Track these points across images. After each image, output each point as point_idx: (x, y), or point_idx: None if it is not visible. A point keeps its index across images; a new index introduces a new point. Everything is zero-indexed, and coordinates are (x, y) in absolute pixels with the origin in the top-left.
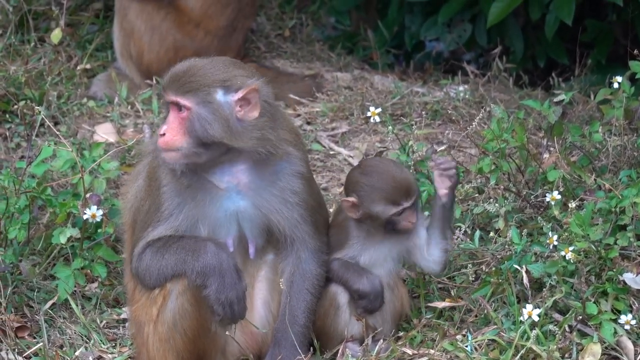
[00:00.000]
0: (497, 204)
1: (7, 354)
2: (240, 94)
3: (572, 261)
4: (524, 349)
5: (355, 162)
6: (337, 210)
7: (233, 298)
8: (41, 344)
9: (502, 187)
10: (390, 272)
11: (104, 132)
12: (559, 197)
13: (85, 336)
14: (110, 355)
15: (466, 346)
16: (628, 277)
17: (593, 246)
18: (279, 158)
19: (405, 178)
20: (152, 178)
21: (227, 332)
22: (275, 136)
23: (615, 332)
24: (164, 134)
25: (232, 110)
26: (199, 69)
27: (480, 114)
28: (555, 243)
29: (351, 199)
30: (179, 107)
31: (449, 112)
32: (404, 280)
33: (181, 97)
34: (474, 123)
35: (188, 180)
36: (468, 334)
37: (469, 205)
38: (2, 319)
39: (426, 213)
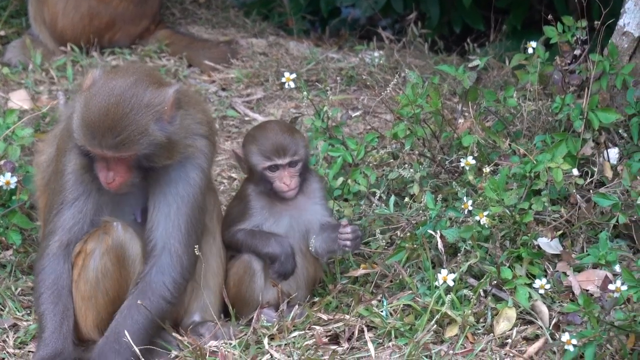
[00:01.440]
0: (411, 170)
1: None
2: (167, 112)
3: (486, 226)
4: (439, 313)
5: None
6: (241, 184)
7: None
8: None
9: (416, 152)
10: (300, 240)
11: (18, 99)
12: (473, 162)
13: (0, 304)
14: (25, 323)
15: (381, 311)
16: (542, 242)
17: (508, 211)
18: (189, 153)
19: (284, 137)
20: (59, 159)
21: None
22: (185, 140)
23: (530, 297)
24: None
25: (167, 130)
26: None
27: (395, 80)
28: (470, 208)
29: (237, 150)
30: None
31: (364, 77)
32: None
33: (124, 152)
34: (388, 88)
35: (92, 176)
36: (383, 299)
37: (384, 170)
38: None
39: (344, 219)
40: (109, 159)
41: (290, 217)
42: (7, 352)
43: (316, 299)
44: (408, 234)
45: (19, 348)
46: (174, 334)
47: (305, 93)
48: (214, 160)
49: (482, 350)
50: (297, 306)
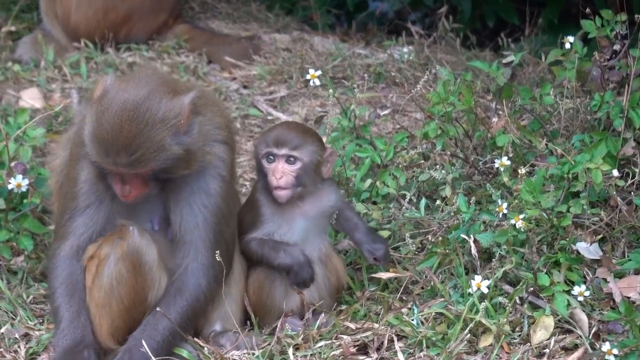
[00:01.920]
0: (443, 171)
1: None
2: (183, 124)
3: (522, 230)
4: (473, 322)
5: None
6: (252, 189)
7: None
8: None
9: (448, 152)
10: (319, 246)
11: (30, 98)
12: (508, 163)
13: (11, 312)
14: (37, 332)
15: (412, 320)
16: (581, 247)
17: (545, 214)
18: (207, 161)
19: (290, 131)
20: (72, 165)
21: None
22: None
23: (569, 304)
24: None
25: (185, 142)
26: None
27: (426, 76)
28: (505, 211)
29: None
30: None
31: (393, 74)
32: (345, 251)
33: (140, 169)
34: (418, 86)
35: (106, 186)
36: (414, 306)
37: (414, 172)
38: None
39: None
40: (124, 174)
41: (305, 224)
42: None
43: (343, 307)
44: (440, 238)
45: (32, 359)
46: (195, 343)
47: (331, 91)
48: (234, 164)
49: None
50: (323, 314)
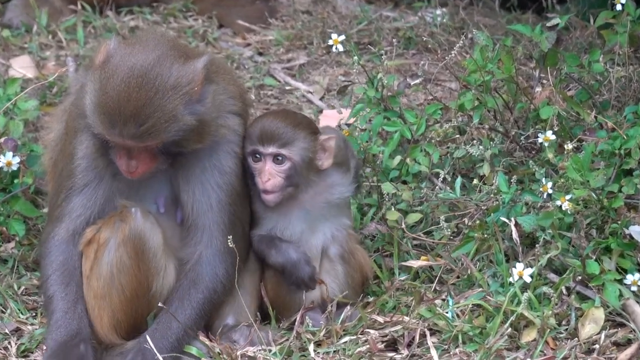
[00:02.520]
0: (481, 147)
1: None
2: (196, 92)
3: (569, 212)
4: (514, 315)
5: (315, 99)
6: None
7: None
8: None
9: (487, 126)
10: (330, 242)
11: (21, 66)
12: (553, 137)
13: (1, 305)
14: (30, 327)
15: (446, 312)
16: (635, 231)
17: (594, 194)
18: (221, 135)
19: (277, 124)
20: (68, 140)
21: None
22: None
23: (621, 295)
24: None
25: (198, 112)
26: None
27: (461, 42)
28: (550, 191)
29: None
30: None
31: (425, 39)
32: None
33: (149, 142)
34: (453, 52)
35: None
36: (449, 298)
37: (448, 148)
38: None
39: None
40: (131, 147)
41: (305, 216)
42: None
43: (370, 299)
44: (477, 221)
45: (24, 357)
46: (205, 340)
47: (355, 58)
48: None
49: (564, 358)
50: (347, 307)
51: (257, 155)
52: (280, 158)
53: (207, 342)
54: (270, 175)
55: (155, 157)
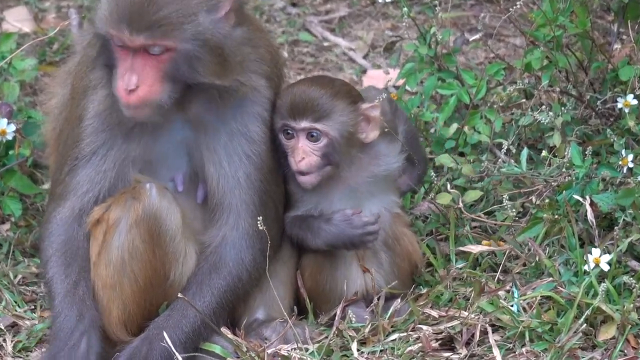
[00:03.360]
0: (551, 113)
1: None
2: (225, 7)
3: None
4: (590, 309)
5: (358, 58)
6: None
7: None
8: None
9: (557, 89)
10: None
11: (16, 19)
12: (635, 102)
13: None
14: (28, 322)
15: (511, 305)
16: None
17: None
18: (242, 93)
19: (304, 93)
20: (75, 102)
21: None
22: (248, 64)
23: None
24: (134, 89)
25: (220, 31)
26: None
27: None
28: (631, 165)
29: None
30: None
31: None
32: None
33: (159, 39)
34: (519, 3)
35: (119, 117)
36: (514, 289)
37: (512, 114)
38: None
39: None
40: (136, 50)
41: (349, 196)
42: None
43: (422, 290)
44: (546, 200)
45: (21, 356)
46: (229, 335)
47: (405, 10)
48: None
49: None
50: (397, 300)
51: (289, 132)
52: (315, 134)
53: (233, 338)
54: (304, 154)
55: (160, 79)
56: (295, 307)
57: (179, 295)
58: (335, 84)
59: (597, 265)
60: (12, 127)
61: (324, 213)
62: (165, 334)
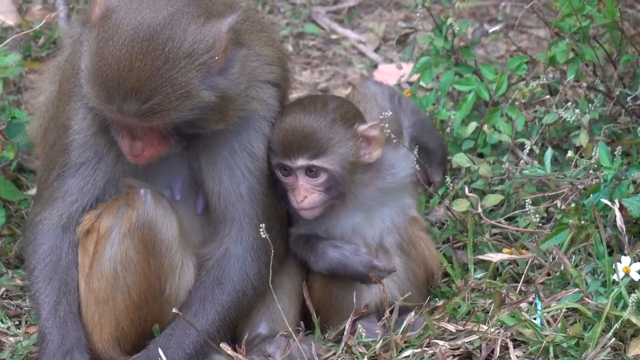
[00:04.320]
0: (577, 110)
1: None
2: (220, 60)
3: None
4: (619, 321)
5: (368, 50)
6: None
7: None
8: None
9: (584, 84)
10: (386, 234)
11: (0, 11)
12: None
13: None
14: (12, 339)
15: (534, 318)
16: None
17: None
18: (249, 110)
19: (296, 129)
20: (62, 106)
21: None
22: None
23: None
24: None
25: (219, 86)
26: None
27: None
28: None
29: None
30: None
31: None
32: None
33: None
34: None
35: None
36: (537, 300)
37: (536, 111)
38: None
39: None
40: (134, 127)
41: (357, 211)
42: None
43: (438, 302)
44: (572, 205)
45: None
46: (230, 352)
47: None
48: None
49: None
50: (411, 313)
51: (286, 169)
52: (314, 169)
53: (234, 355)
54: (306, 192)
55: (165, 139)
56: (301, 322)
57: (181, 314)
58: (328, 109)
59: (626, 274)
60: None
61: (330, 232)
62: (164, 355)
